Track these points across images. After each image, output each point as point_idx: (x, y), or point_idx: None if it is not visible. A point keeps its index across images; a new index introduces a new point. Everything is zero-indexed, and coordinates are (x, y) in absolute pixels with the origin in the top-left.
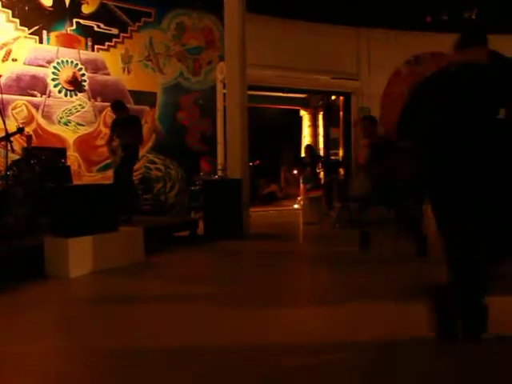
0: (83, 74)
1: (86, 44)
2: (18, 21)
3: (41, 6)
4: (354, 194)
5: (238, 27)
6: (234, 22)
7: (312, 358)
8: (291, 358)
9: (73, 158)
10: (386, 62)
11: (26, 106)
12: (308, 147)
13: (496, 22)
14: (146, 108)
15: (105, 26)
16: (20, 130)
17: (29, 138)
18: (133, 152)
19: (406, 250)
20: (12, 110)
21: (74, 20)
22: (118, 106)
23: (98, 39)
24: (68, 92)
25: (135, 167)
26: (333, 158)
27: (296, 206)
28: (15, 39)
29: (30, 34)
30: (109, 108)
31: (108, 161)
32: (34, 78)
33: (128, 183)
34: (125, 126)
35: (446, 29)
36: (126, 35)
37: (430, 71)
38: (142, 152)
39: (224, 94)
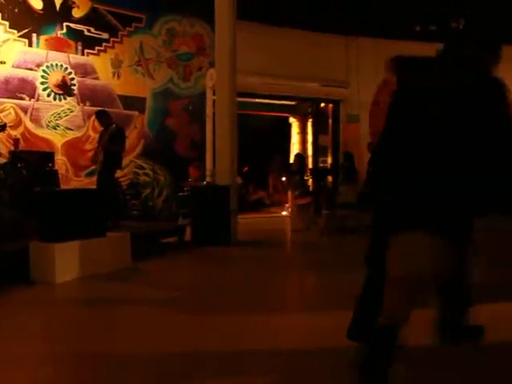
0: (72, 78)
1: (76, 48)
2: (7, 23)
3: (31, 8)
4: (342, 202)
5: (229, 34)
6: (224, 28)
7: (299, 361)
8: (277, 361)
9: (61, 162)
10: (374, 70)
11: (14, 109)
12: (297, 156)
13: (483, 32)
14: (136, 113)
15: (95, 30)
16: (2, 127)
17: (16, 141)
18: (114, 158)
19: None
20: None
21: (65, 24)
22: (100, 114)
23: (88, 43)
24: (57, 96)
25: (123, 172)
26: (321, 165)
27: (284, 213)
28: (4, 42)
29: (19, 36)
30: None
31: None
32: (23, 81)
33: (110, 189)
34: (110, 135)
35: (434, 38)
36: (116, 40)
37: None
38: (130, 157)
39: (214, 100)
